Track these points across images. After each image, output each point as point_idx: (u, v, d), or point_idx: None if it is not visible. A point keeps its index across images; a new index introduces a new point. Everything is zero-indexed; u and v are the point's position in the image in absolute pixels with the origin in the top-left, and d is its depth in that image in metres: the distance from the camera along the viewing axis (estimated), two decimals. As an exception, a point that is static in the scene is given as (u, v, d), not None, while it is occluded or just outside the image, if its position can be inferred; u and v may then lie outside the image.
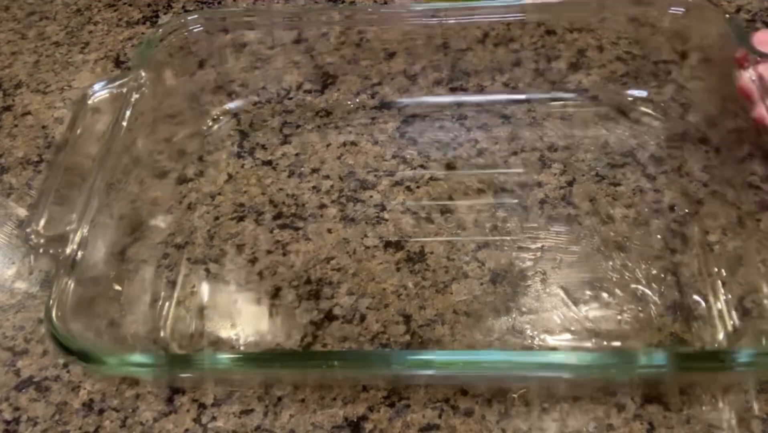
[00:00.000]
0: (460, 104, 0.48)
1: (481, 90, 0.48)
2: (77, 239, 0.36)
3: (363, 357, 0.35)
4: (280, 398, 0.36)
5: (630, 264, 0.39)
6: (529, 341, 0.37)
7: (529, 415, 0.34)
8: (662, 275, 0.38)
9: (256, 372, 0.35)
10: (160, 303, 0.40)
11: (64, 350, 0.32)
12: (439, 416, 0.35)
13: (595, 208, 0.42)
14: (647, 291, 0.38)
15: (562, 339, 0.37)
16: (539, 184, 0.43)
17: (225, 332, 0.39)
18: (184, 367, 0.35)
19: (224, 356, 0.35)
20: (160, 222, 0.42)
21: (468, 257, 0.40)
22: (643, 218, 0.41)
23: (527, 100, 0.47)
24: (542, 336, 0.37)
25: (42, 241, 0.36)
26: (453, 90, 0.48)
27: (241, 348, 0.38)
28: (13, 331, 0.41)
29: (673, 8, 0.43)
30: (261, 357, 0.36)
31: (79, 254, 0.36)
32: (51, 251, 0.36)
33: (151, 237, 0.42)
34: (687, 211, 0.41)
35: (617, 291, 0.38)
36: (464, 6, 0.44)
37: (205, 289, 0.41)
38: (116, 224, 0.38)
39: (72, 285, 0.34)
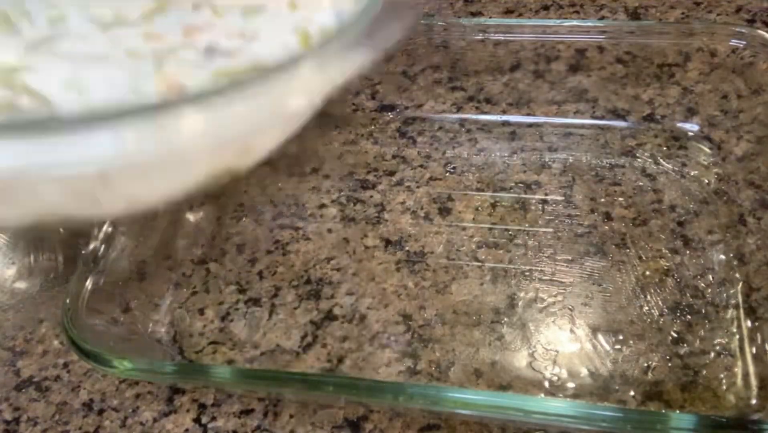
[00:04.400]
0: (460, 105, 0.48)
1: (481, 90, 0.48)
2: (101, 235, 0.36)
3: (382, 388, 0.32)
4: (279, 398, 0.36)
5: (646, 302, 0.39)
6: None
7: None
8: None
9: (267, 388, 0.35)
10: (163, 303, 0.40)
11: (78, 349, 0.32)
12: (440, 417, 0.35)
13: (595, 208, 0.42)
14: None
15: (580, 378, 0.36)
16: (539, 184, 0.43)
17: (225, 333, 0.39)
18: (193, 376, 0.35)
19: (235, 370, 0.34)
20: (164, 223, 0.42)
21: (468, 256, 0.40)
22: (643, 217, 0.41)
23: (528, 101, 0.47)
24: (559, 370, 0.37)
25: (66, 234, 0.35)
26: (453, 90, 0.48)
27: (242, 349, 0.38)
28: (13, 331, 0.41)
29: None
30: (273, 376, 0.34)
31: (102, 249, 0.36)
32: (74, 244, 0.35)
33: (155, 238, 0.42)
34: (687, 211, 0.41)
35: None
36: (515, 23, 0.44)
37: (205, 289, 0.41)
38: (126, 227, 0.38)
39: (90, 283, 0.34)
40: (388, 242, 0.42)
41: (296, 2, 0.28)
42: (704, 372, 0.35)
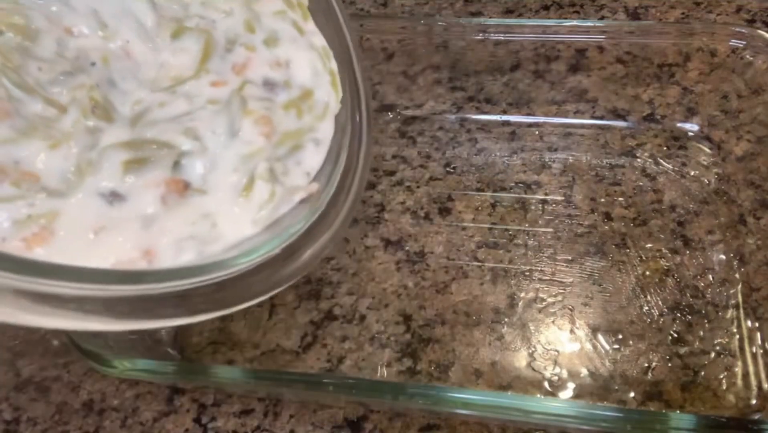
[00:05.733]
0: (460, 105, 0.48)
1: (481, 90, 0.48)
2: None
3: (378, 388, 0.32)
4: (280, 398, 0.36)
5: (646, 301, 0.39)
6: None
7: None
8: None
9: (267, 388, 0.35)
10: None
11: (78, 349, 0.32)
12: (440, 417, 0.35)
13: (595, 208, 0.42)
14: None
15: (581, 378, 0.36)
16: (539, 184, 0.43)
17: (225, 333, 0.39)
18: (193, 376, 0.34)
19: (235, 370, 0.34)
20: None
21: (468, 256, 0.40)
22: (643, 217, 0.41)
23: (528, 101, 0.47)
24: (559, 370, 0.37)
25: None
26: (453, 90, 0.48)
27: (242, 349, 0.38)
28: (13, 331, 0.41)
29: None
30: (273, 376, 0.34)
31: None
32: None
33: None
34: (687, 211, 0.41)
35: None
36: (515, 23, 0.45)
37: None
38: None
39: None
40: (388, 242, 0.42)
41: (302, 28, 0.33)
42: (704, 372, 0.35)
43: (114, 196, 0.25)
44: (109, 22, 0.30)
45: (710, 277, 0.38)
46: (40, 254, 0.23)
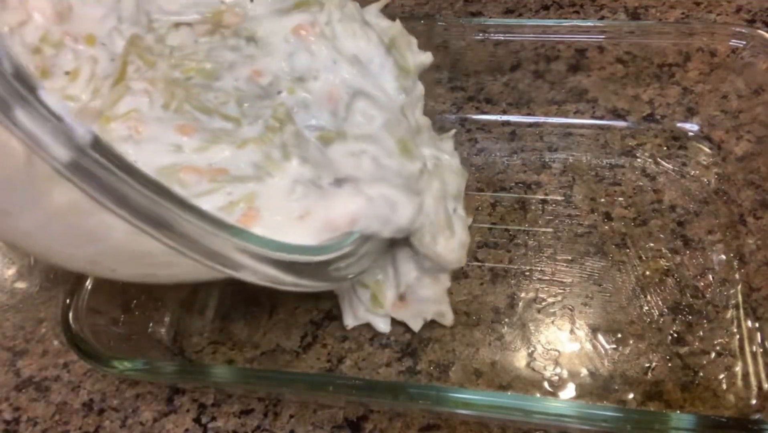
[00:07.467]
0: (460, 105, 0.48)
1: (481, 90, 0.48)
2: None
3: (380, 388, 0.32)
4: (280, 398, 0.36)
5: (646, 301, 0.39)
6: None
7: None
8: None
9: (267, 388, 0.35)
10: (164, 303, 0.40)
11: (78, 349, 0.32)
12: (440, 417, 0.35)
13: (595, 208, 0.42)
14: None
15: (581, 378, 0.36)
16: (539, 184, 0.43)
17: (225, 333, 0.39)
18: (193, 376, 0.35)
19: (235, 370, 0.34)
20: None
21: (468, 256, 0.40)
22: (643, 217, 0.41)
23: (528, 101, 0.47)
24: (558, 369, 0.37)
25: None
26: (453, 90, 0.48)
27: (242, 349, 0.38)
28: (13, 331, 0.41)
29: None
30: (273, 376, 0.34)
31: None
32: None
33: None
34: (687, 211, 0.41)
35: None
36: (515, 23, 0.45)
37: (205, 289, 0.41)
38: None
39: (90, 283, 0.34)
40: (388, 242, 0.42)
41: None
42: (704, 372, 0.35)
43: (340, 181, 0.29)
44: (303, 74, 0.33)
45: (710, 277, 0.38)
46: (257, 231, 0.26)
